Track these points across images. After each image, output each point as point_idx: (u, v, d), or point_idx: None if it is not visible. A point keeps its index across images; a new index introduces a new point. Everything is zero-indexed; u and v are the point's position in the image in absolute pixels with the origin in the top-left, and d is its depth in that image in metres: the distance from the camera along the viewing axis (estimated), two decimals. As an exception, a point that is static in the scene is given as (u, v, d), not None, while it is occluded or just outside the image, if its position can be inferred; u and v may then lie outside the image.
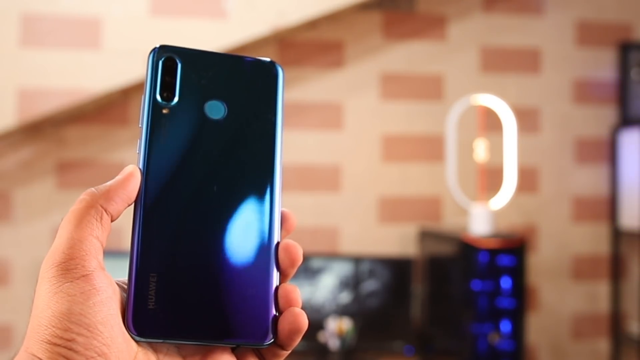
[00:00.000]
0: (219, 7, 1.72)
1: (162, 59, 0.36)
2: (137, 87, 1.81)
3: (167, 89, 0.36)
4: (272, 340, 0.34)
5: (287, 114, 1.91)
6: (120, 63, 1.67)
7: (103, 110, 1.89)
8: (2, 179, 1.86)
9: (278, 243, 0.35)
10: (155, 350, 0.33)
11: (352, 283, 1.87)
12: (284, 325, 0.33)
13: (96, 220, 0.32)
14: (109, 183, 0.33)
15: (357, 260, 1.88)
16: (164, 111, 0.35)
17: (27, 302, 1.80)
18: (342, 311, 1.84)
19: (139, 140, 0.35)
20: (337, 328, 1.76)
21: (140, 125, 0.35)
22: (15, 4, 1.64)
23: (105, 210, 0.32)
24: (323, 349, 1.78)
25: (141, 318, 0.32)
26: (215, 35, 1.72)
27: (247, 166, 0.36)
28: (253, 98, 0.37)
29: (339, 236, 2.00)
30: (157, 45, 0.36)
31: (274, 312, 0.34)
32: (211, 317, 0.33)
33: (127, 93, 1.84)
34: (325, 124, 2.01)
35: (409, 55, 2.05)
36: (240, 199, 0.35)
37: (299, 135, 1.99)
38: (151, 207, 0.34)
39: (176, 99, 0.36)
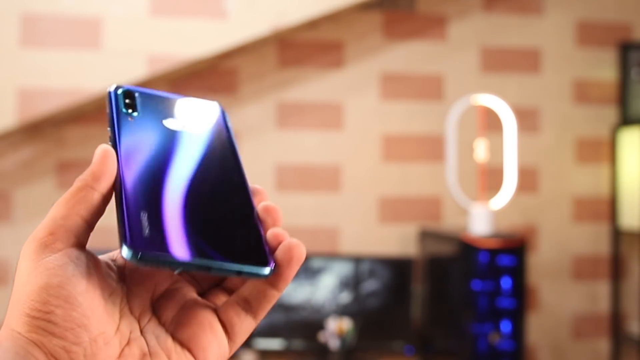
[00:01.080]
0: (219, 7, 1.72)
1: (121, 90, 0.40)
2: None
3: (130, 106, 0.39)
4: (274, 267, 0.33)
5: (287, 114, 1.90)
6: (120, 63, 1.67)
7: (103, 111, 1.88)
8: (2, 179, 1.86)
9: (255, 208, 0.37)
10: (138, 320, 0.33)
11: (352, 283, 1.87)
12: (281, 254, 0.33)
13: (83, 199, 0.32)
14: (90, 167, 0.34)
15: (357, 260, 1.88)
16: (129, 119, 0.38)
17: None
18: (342, 311, 1.84)
19: (109, 133, 0.37)
20: (337, 328, 1.76)
21: (108, 128, 0.38)
22: (15, 4, 1.64)
23: (93, 188, 0.33)
24: (323, 348, 1.78)
25: (138, 242, 0.31)
26: (215, 35, 1.72)
27: (214, 156, 0.39)
28: (205, 121, 0.41)
29: (339, 236, 2.00)
30: (114, 85, 0.40)
31: (266, 243, 0.35)
32: (212, 240, 0.33)
33: (127, 93, 1.83)
34: (325, 124, 2.01)
35: (409, 55, 2.05)
36: (211, 167, 0.38)
37: (299, 135, 1.99)
38: (132, 171, 0.35)
39: (138, 114, 0.39)
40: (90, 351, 0.29)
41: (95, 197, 0.33)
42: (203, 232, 0.34)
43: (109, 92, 0.39)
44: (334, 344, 1.76)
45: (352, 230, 2.01)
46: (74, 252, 0.31)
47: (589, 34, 2.14)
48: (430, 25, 2.06)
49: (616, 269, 2.08)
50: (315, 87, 2.00)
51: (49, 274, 0.30)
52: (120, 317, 0.32)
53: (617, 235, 2.07)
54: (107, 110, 0.39)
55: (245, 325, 0.34)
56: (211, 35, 1.72)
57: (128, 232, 0.31)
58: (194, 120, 0.41)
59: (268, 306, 0.35)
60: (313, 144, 2.00)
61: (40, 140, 1.88)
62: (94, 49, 1.67)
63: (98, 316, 0.30)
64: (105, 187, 0.33)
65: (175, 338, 0.33)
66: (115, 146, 0.36)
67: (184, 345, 0.33)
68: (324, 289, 1.86)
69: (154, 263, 0.31)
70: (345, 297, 1.86)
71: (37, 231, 0.32)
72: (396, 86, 2.04)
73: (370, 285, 1.87)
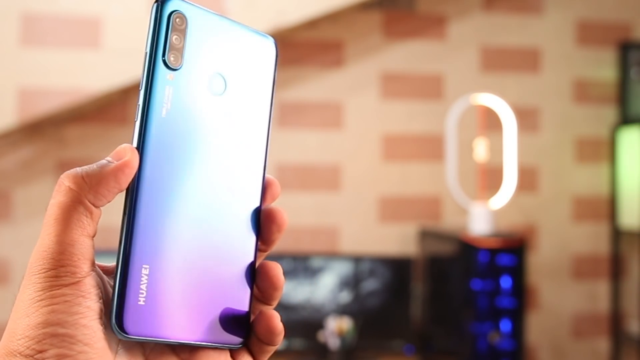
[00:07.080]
0: (219, 7, 1.72)
1: (171, 14, 0.31)
2: (137, 87, 1.81)
3: (174, 51, 0.31)
4: (242, 342, 0.33)
5: (287, 114, 1.90)
6: (120, 63, 1.67)
7: (103, 110, 1.89)
8: (2, 179, 1.86)
9: (257, 244, 0.35)
10: (142, 346, 0.32)
11: (352, 282, 1.87)
12: (260, 327, 0.34)
13: (86, 217, 0.29)
14: (98, 171, 0.30)
15: (357, 259, 1.88)
16: (168, 77, 0.31)
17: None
18: (342, 311, 1.84)
19: (137, 108, 0.31)
20: (337, 327, 1.76)
21: (140, 89, 0.31)
22: (15, 4, 1.64)
23: (94, 205, 0.30)
24: (323, 348, 1.79)
25: (130, 316, 0.29)
26: (215, 35, 1.71)
27: (242, 153, 0.35)
28: (251, 75, 0.35)
29: (339, 236, 2.00)
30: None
31: (249, 314, 0.34)
32: (198, 316, 0.32)
33: (127, 93, 1.84)
34: (325, 123, 2.01)
35: (409, 55, 2.05)
36: (237, 190, 0.34)
37: (299, 135, 1.99)
38: (146, 194, 0.30)
39: (182, 65, 0.32)
40: None
41: (95, 212, 0.30)
42: (196, 305, 0.32)
43: (155, 16, 0.31)
44: (333, 343, 1.76)
45: (352, 229, 2.01)
46: (86, 284, 0.29)
47: (588, 33, 2.14)
48: (430, 25, 2.06)
49: (616, 268, 2.08)
50: (315, 86, 2.00)
51: (51, 309, 0.28)
52: (121, 346, 0.31)
53: (617, 234, 2.07)
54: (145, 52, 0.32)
55: None
56: (211, 35, 1.71)
57: (122, 302, 0.29)
58: (239, 74, 0.34)
59: (265, 356, 0.35)
60: (313, 144, 2.00)
61: (40, 140, 1.88)
62: (93, 49, 1.67)
63: (97, 350, 0.28)
64: (104, 203, 0.30)
65: None
66: (136, 131, 0.30)
67: None
68: (323, 289, 1.87)
69: (141, 340, 0.30)
70: (345, 296, 1.87)
71: (44, 258, 0.29)
72: (396, 86, 2.04)
73: (370, 284, 1.87)
